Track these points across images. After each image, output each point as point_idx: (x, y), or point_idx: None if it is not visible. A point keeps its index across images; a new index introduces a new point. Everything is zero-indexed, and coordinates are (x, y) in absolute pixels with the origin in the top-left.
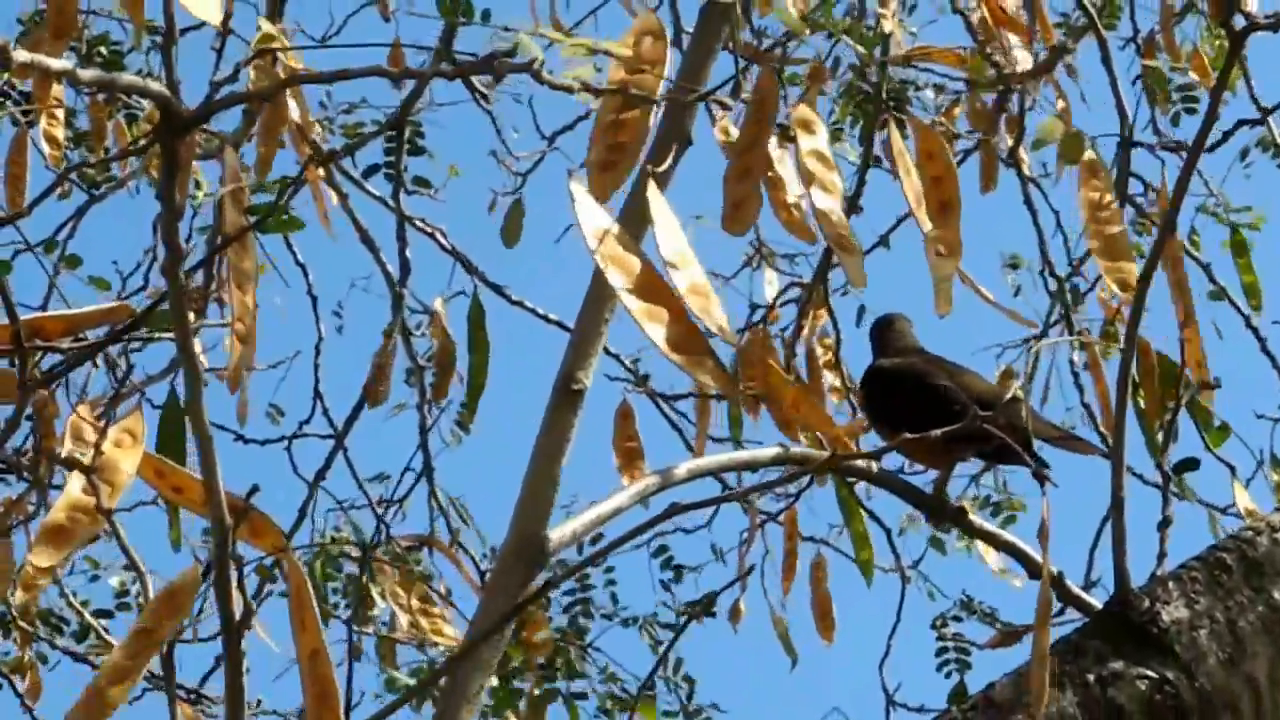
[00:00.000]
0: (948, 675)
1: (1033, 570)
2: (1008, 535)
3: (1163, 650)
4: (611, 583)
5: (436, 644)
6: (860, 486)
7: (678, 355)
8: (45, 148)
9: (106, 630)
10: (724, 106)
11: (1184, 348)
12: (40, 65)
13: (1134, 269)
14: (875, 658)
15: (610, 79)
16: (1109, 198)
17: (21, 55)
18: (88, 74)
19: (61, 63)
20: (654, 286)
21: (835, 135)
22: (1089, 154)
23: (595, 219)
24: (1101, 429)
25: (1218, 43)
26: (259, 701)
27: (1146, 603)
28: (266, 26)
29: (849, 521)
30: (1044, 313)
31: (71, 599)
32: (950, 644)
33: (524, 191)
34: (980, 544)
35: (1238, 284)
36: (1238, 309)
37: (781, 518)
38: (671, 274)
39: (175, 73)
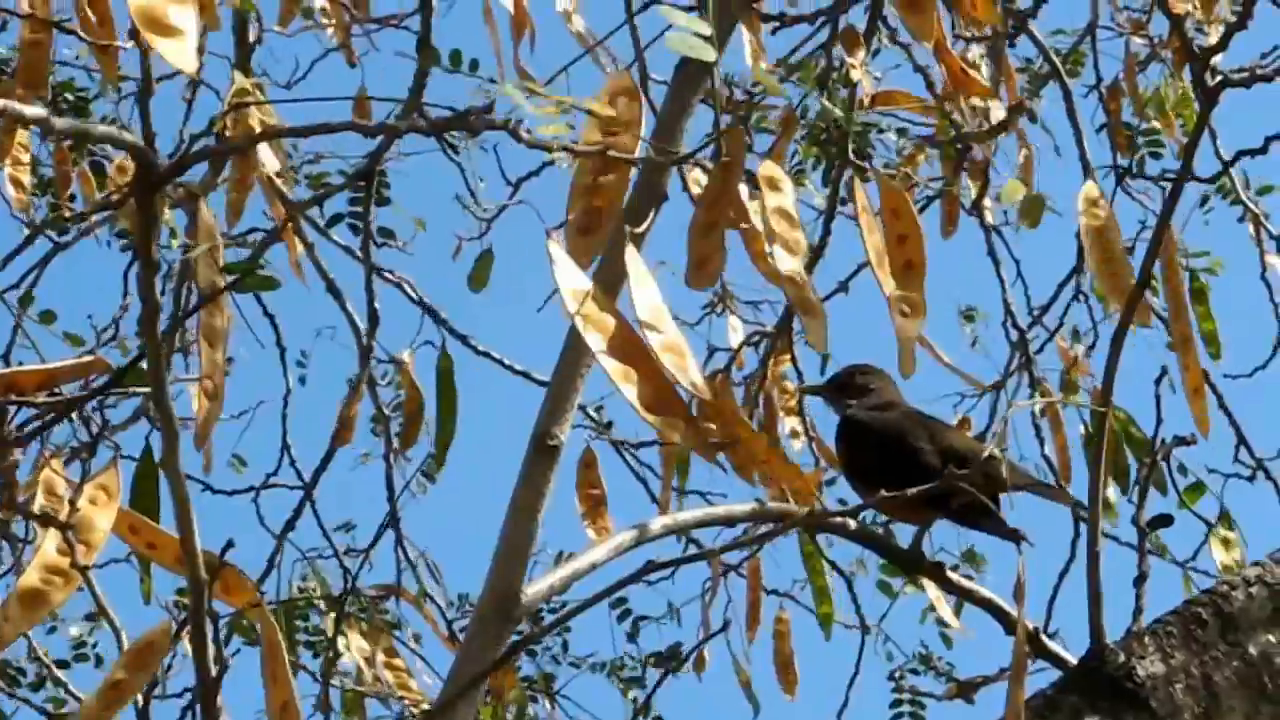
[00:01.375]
0: None
1: (1007, 625)
2: (984, 590)
3: (1138, 705)
4: (566, 629)
5: (402, 698)
6: (821, 536)
7: (652, 416)
8: (10, 192)
9: (67, 683)
10: (704, 169)
11: (1184, 375)
12: (13, 112)
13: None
14: (834, 707)
15: (585, 139)
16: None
17: None
18: (61, 123)
19: (36, 110)
20: (630, 347)
21: (798, 179)
22: (1090, 186)
23: (573, 280)
24: (1059, 482)
25: (1181, 90)
26: None
27: (1122, 657)
28: (240, 80)
29: (811, 575)
30: (1003, 363)
31: (40, 652)
32: (906, 695)
33: (490, 239)
34: (932, 595)
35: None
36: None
37: (744, 568)
38: (647, 334)
39: (151, 124)
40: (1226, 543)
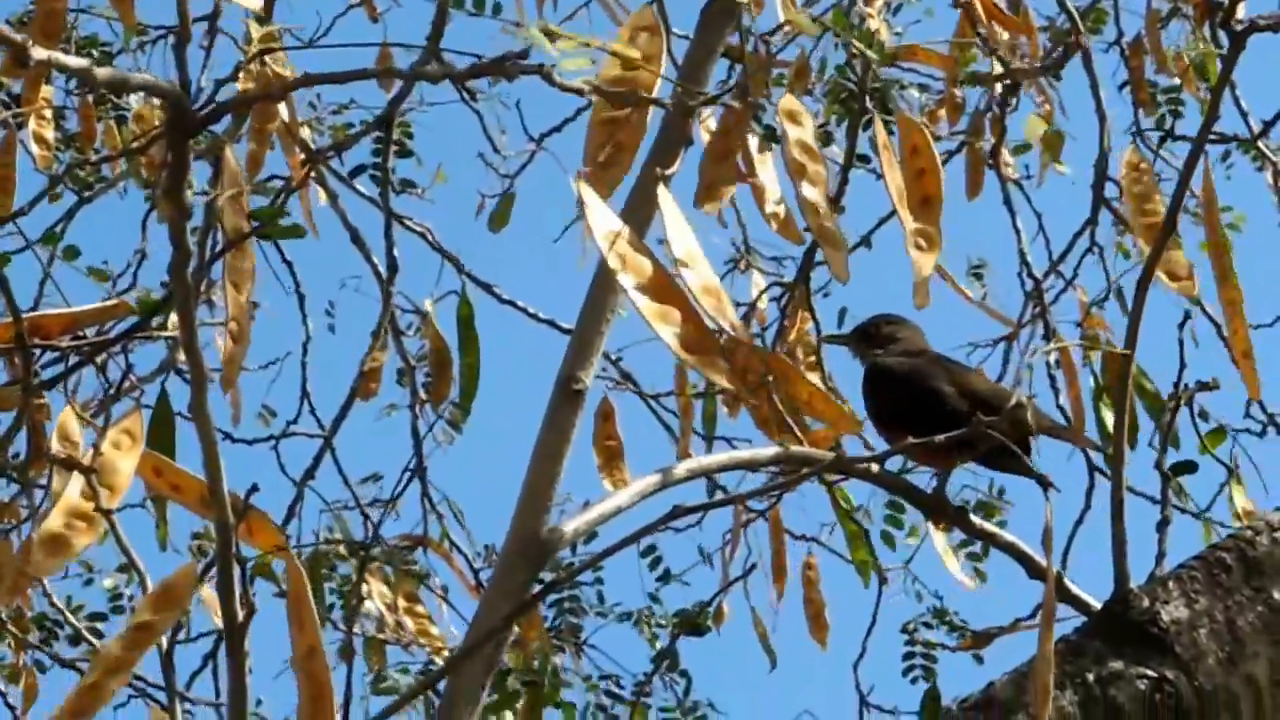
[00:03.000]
0: (913, 681)
1: (1032, 571)
2: (1008, 536)
3: (1162, 650)
4: (599, 580)
5: (423, 645)
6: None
7: (689, 355)
8: (34, 149)
9: (100, 635)
10: (731, 110)
11: (1231, 340)
12: (58, 63)
13: (1182, 260)
14: (851, 658)
15: (604, 76)
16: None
17: (39, 53)
18: (103, 72)
19: (79, 60)
20: (664, 287)
21: (825, 138)
22: (1131, 150)
23: (605, 221)
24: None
25: (1203, 47)
26: (259, 702)
27: (1146, 602)
28: (261, 28)
29: (842, 521)
30: (1016, 316)
31: (62, 606)
32: (917, 649)
33: (512, 192)
34: (942, 553)
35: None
36: (1210, 319)
37: (767, 516)
38: (683, 273)
39: (187, 72)
40: (1243, 493)
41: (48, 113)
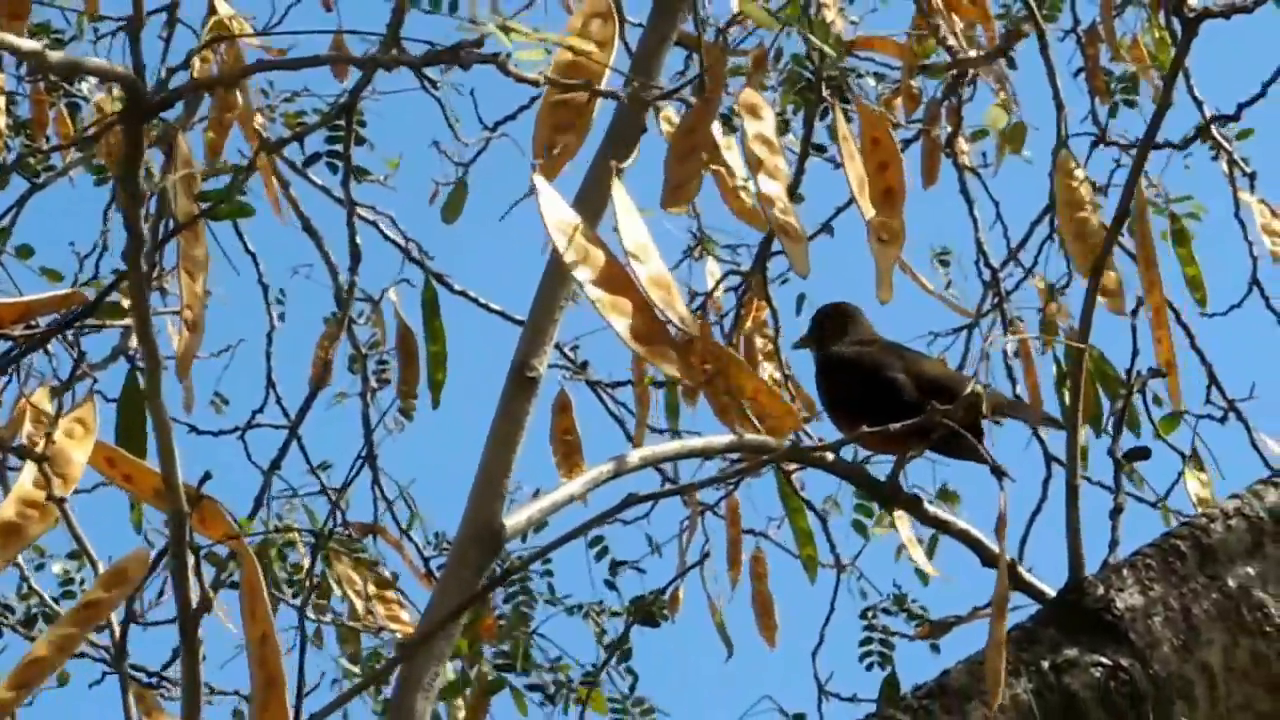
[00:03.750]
0: (869, 668)
1: (985, 558)
2: (961, 523)
3: (1117, 638)
4: (549, 572)
5: (393, 630)
6: (795, 475)
7: (641, 346)
8: None
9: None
10: (687, 103)
11: (1157, 347)
12: (10, 45)
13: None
14: (808, 647)
15: (557, 63)
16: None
17: None
18: (56, 56)
19: (32, 44)
20: (616, 278)
21: (782, 127)
22: (1065, 155)
23: (558, 211)
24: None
25: (1158, 35)
26: (211, 690)
27: (1100, 590)
28: (223, 8)
29: (791, 516)
30: (975, 305)
31: (33, 584)
32: (876, 635)
33: (467, 181)
34: (905, 537)
35: (1177, 275)
36: (1170, 306)
37: (721, 507)
38: (634, 266)
39: (141, 57)
40: (1200, 481)
41: (0, 100)
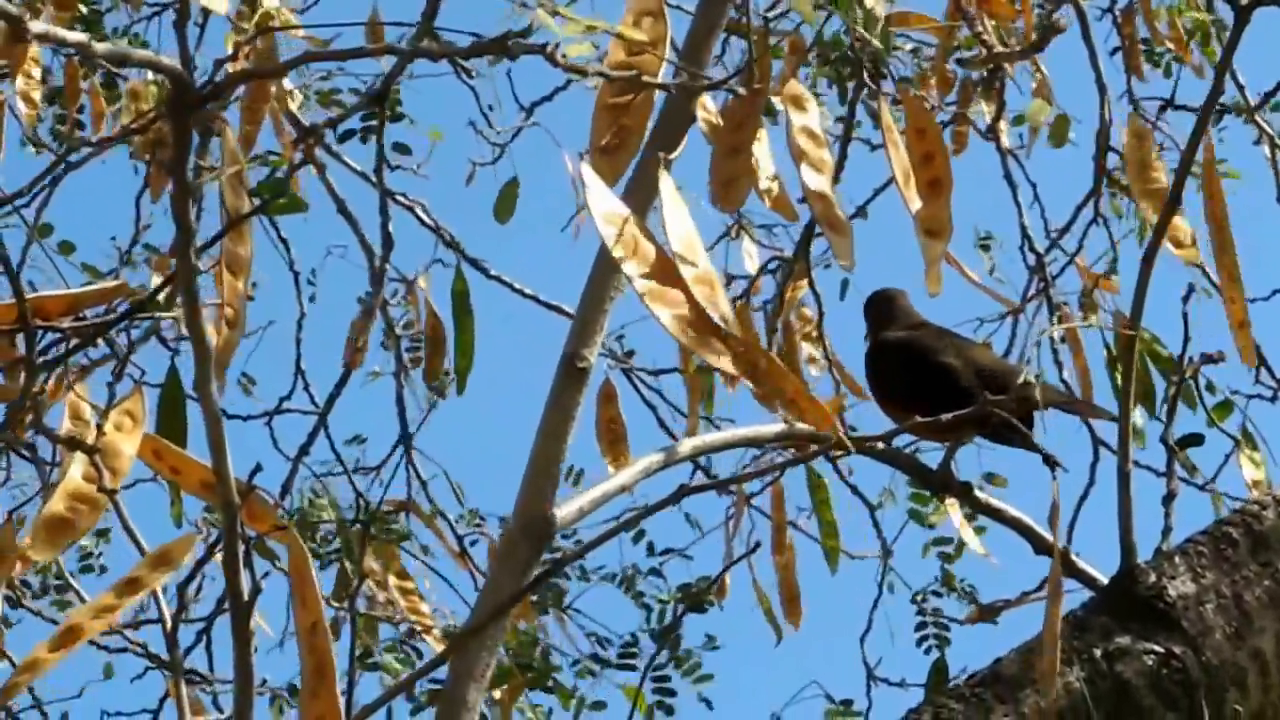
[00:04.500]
0: (926, 651)
1: (1038, 546)
2: (1014, 511)
3: (1169, 625)
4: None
5: (411, 621)
6: (843, 462)
7: (690, 339)
8: (21, 108)
9: (78, 590)
10: (735, 94)
11: (1230, 306)
12: (56, 37)
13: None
14: (850, 632)
15: (610, 59)
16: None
17: (37, 27)
18: (102, 48)
19: (77, 35)
20: (664, 271)
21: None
22: (1134, 118)
23: (607, 205)
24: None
25: (1196, 15)
26: (264, 681)
27: (1153, 577)
28: (267, 2)
29: (817, 508)
30: (1020, 287)
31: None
32: (930, 619)
33: (504, 164)
34: (959, 526)
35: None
36: (1212, 282)
37: (765, 495)
38: (680, 264)
39: (188, 49)
40: (1253, 463)
41: (35, 72)
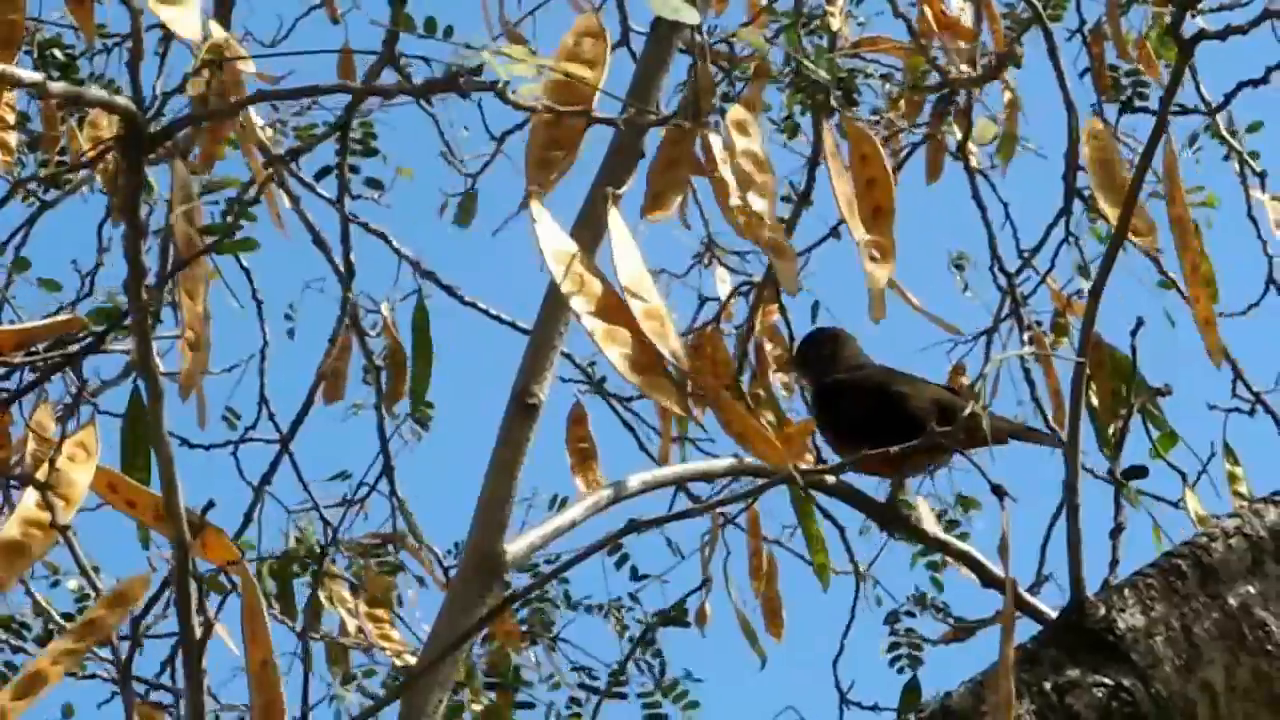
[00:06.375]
0: (900, 671)
1: (985, 579)
2: (961, 545)
3: (1119, 657)
4: (565, 580)
5: (384, 649)
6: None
7: (636, 377)
8: None
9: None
10: (680, 128)
11: (1195, 306)
12: (11, 77)
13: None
14: (829, 656)
15: (547, 85)
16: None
17: None
18: (57, 87)
19: (32, 74)
20: (613, 308)
21: (792, 130)
22: (1093, 120)
23: (556, 240)
24: (1052, 424)
25: (1162, 29)
26: (218, 709)
27: (1102, 610)
28: (217, 32)
29: (803, 524)
30: (993, 308)
31: (39, 600)
32: (903, 639)
33: (476, 189)
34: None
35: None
36: (1184, 297)
37: (741, 519)
38: (629, 300)
39: (141, 88)
40: (1233, 477)
41: (10, 117)
